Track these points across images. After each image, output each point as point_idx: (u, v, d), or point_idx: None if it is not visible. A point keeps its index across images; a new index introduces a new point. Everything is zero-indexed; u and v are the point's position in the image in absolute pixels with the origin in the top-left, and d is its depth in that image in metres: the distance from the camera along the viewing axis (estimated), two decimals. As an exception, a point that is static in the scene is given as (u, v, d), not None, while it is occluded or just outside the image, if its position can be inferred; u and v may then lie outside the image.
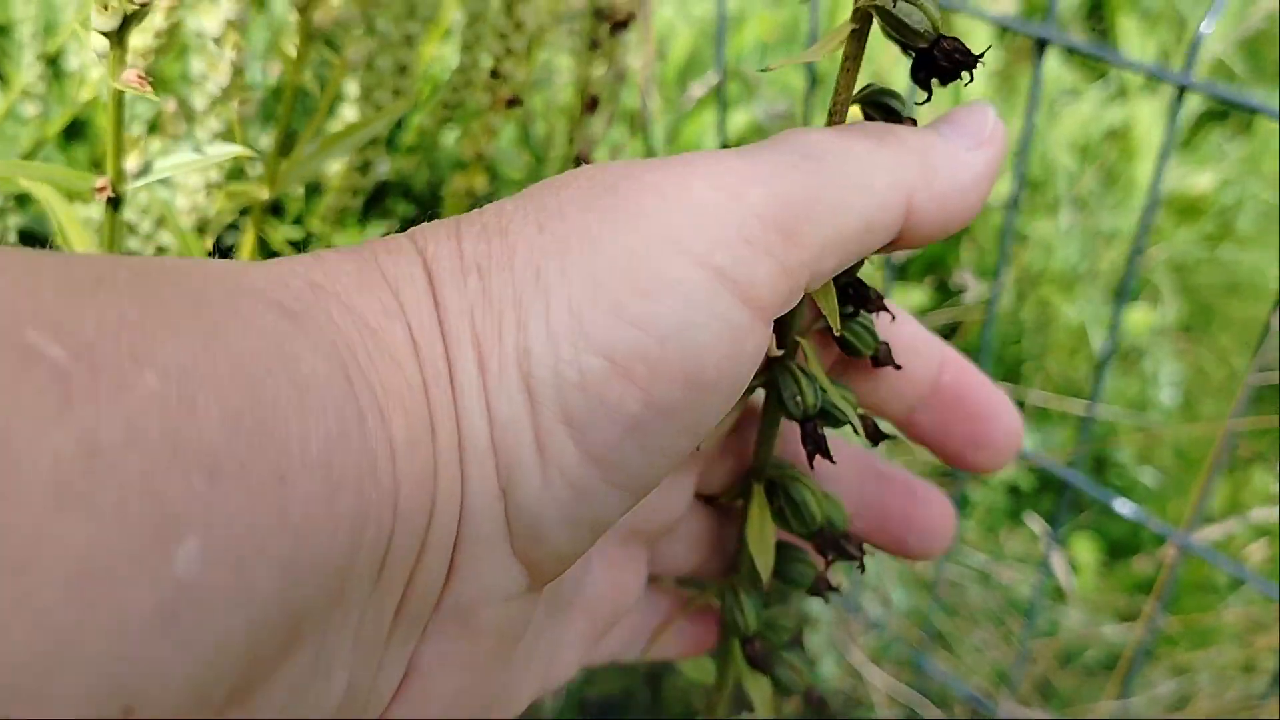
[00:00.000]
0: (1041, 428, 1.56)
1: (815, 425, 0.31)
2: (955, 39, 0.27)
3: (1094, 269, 1.80)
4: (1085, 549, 1.32)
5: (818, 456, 0.31)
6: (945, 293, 1.76)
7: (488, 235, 0.24)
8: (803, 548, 0.35)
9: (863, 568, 0.34)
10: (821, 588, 0.35)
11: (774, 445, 0.33)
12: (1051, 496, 1.49)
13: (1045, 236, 1.86)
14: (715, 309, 0.23)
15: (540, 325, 0.23)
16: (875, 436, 0.34)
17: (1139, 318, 1.73)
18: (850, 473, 0.36)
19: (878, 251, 0.27)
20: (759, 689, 0.36)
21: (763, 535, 0.33)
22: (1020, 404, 1.56)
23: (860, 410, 0.33)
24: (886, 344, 0.32)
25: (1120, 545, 1.47)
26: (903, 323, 0.33)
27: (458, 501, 0.23)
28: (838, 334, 0.29)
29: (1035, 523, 1.06)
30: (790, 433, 0.34)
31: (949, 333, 1.70)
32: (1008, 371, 1.70)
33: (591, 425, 0.23)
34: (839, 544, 0.33)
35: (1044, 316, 1.78)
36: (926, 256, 1.66)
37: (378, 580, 0.22)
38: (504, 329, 0.23)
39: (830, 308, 0.28)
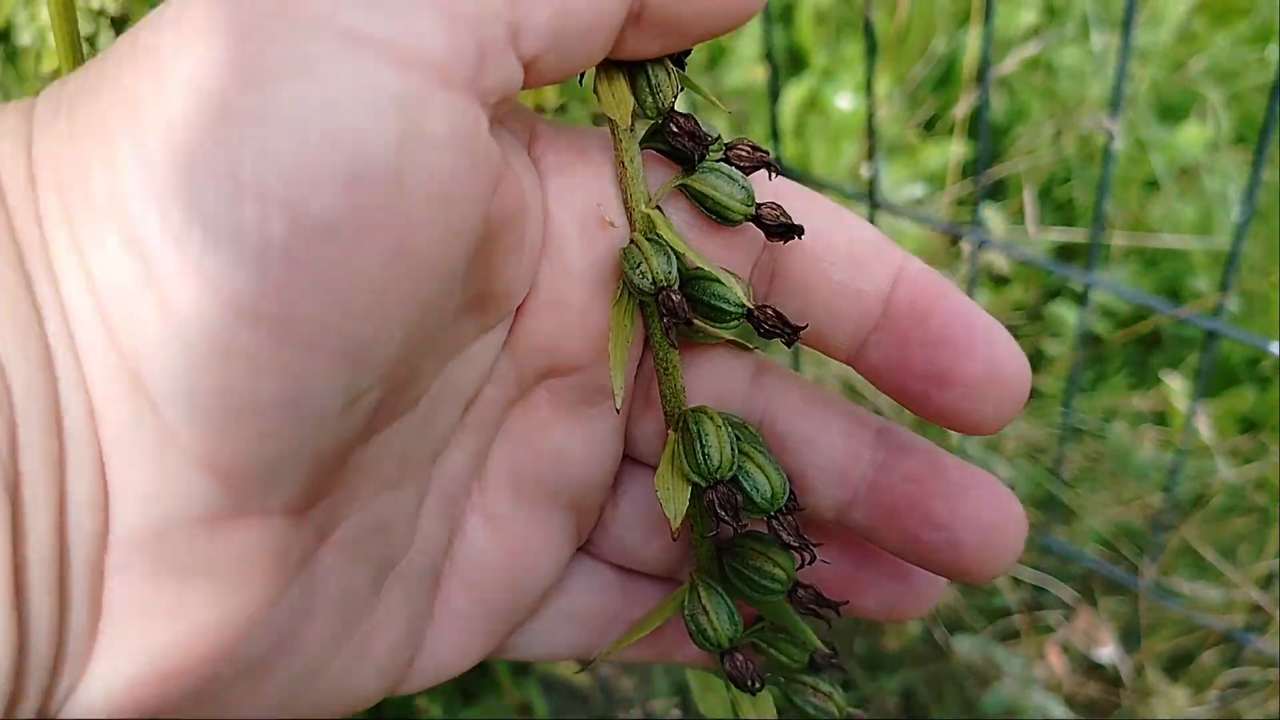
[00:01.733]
0: (1108, 267, 1.47)
1: (668, 295, 0.24)
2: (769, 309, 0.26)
3: (1134, 91, 1.68)
4: (1182, 396, 1.24)
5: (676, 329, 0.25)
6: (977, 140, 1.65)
7: (87, 71, 0.20)
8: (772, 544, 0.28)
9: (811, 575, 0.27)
10: (803, 599, 0.28)
11: (676, 375, 0.27)
12: (1135, 347, 1.41)
13: (1076, 65, 1.74)
14: (356, 79, 0.18)
15: (131, 153, 0.18)
16: (777, 327, 0.26)
17: (1191, 135, 1.63)
18: (833, 435, 0.27)
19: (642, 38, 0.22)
20: (758, 711, 0.29)
21: (671, 481, 0.26)
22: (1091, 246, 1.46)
23: (765, 304, 0.26)
24: (781, 210, 0.25)
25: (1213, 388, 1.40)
26: (846, 225, 0.26)
27: (83, 393, 0.19)
28: (658, 123, 0.25)
29: (1174, 380, 0.98)
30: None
31: (994, 190, 1.60)
32: (1061, 215, 1.61)
33: (229, 265, 0.17)
34: (777, 526, 0.26)
35: (1087, 149, 1.67)
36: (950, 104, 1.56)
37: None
38: (90, 165, 0.18)
39: (617, 101, 0.24)
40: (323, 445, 0.20)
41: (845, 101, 1.59)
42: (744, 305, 0.25)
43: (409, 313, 0.19)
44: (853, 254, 0.26)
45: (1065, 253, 1.60)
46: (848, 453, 0.27)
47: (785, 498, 0.26)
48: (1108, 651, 1.00)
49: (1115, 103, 0.69)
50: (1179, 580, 1.01)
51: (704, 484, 0.26)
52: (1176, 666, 1.00)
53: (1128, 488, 1.15)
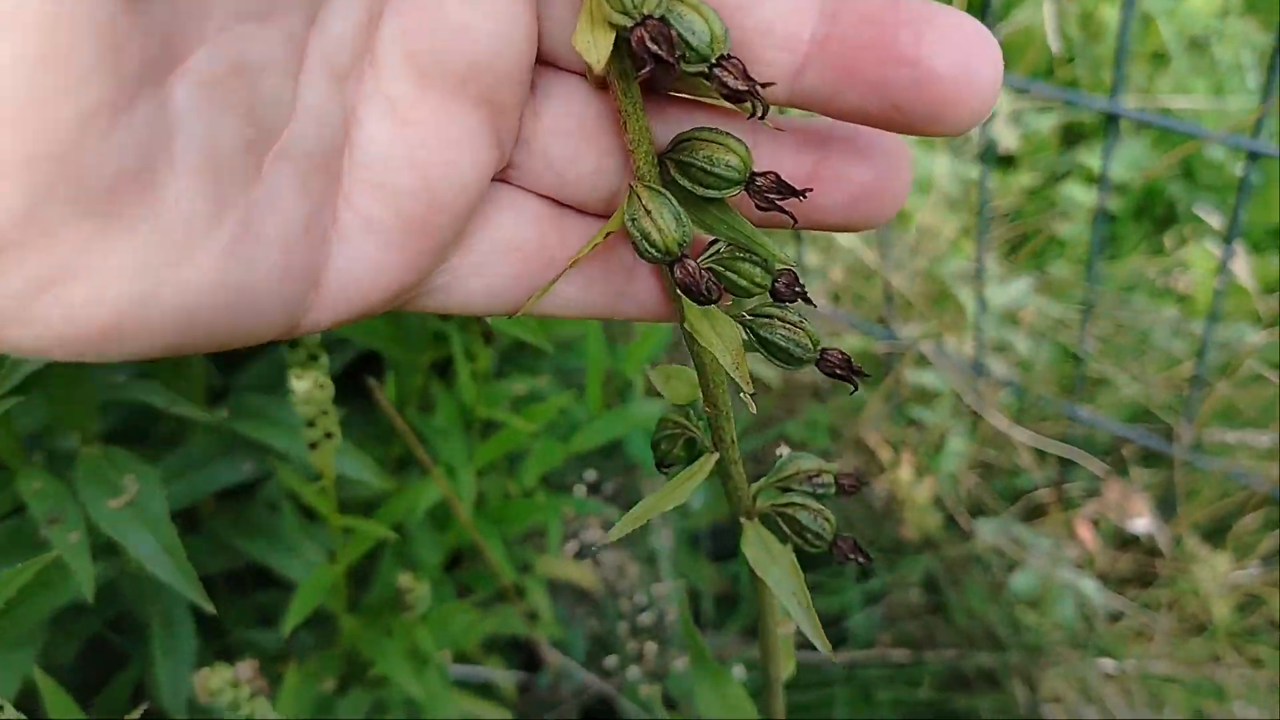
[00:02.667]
0: (1120, 143, 1.40)
1: None
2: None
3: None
4: (1205, 261, 1.17)
5: None
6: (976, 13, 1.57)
7: None
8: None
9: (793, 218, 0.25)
10: (763, 187, 0.25)
11: None
12: (1148, 220, 1.34)
13: (1074, -58, 1.66)
14: None
15: None
16: None
17: (1199, 2, 1.55)
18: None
19: None
20: (719, 333, 0.26)
21: (592, 32, 0.22)
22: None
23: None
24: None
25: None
26: None
27: None
28: None
29: (1211, 216, 0.91)
30: None
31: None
32: (1068, 86, 1.54)
33: None
34: (721, 72, 0.23)
35: (1091, 29, 1.60)
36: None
37: None
38: None
39: None
40: None
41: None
42: None
43: None
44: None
45: (1072, 136, 1.54)
46: (791, 8, 0.23)
47: (727, 44, 0.23)
48: (1143, 522, 0.94)
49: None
50: (1215, 445, 0.96)
51: (631, 23, 0.22)
52: (1217, 533, 0.94)
53: (1154, 360, 1.09)
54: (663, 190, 0.25)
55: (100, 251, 0.19)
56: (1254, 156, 0.73)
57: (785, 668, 0.41)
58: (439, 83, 0.23)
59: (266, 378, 0.66)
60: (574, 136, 0.25)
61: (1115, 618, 0.95)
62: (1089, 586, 0.93)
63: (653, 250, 0.25)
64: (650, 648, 0.94)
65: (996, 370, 1.02)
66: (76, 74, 0.17)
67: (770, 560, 0.32)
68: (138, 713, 0.47)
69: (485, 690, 0.99)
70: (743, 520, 0.33)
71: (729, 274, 0.26)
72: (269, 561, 0.65)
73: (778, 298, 0.27)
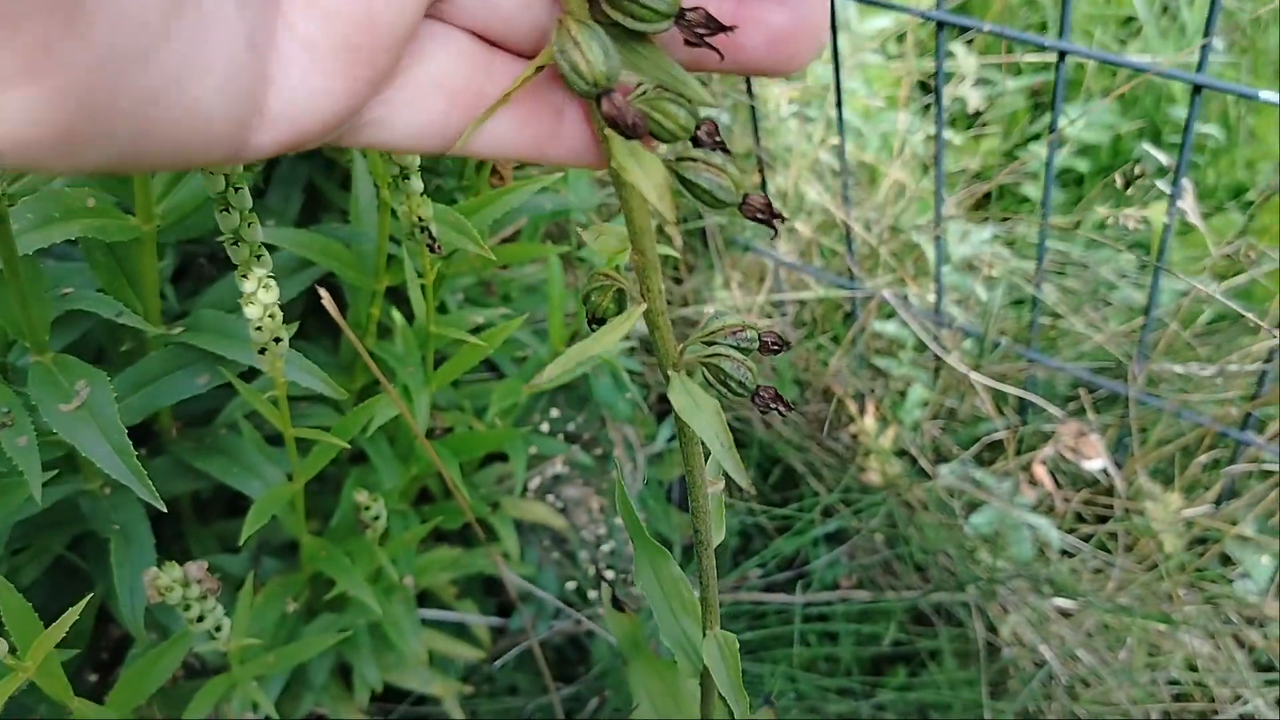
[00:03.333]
0: (1088, 103, 1.42)
1: None
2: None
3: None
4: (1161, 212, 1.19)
5: None
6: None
7: None
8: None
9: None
10: (692, 22, 0.25)
11: None
12: (1113, 188, 1.36)
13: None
14: None
15: None
16: None
17: (1170, -31, 1.56)
18: None
19: None
20: (645, 169, 0.26)
21: None
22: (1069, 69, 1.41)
23: None
24: None
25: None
26: None
27: None
28: None
29: (1156, 152, 0.93)
30: None
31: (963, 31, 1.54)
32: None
33: None
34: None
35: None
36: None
37: None
38: None
39: None
40: None
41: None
42: None
43: None
44: None
45: (1042, 103, 1.55)
46: None
47: None
48: (1098, 463, 0.96)
49: None
50: (1169, 387, 0.97)
51: None
52: (1171, 474, 0.96)
53: (1114, 308, 1.11)
54: (591, 24, 0.25)
55: (61, 50, 0.19)
56: (1198, 89, 0.74)
57: (718, 532, 0.42)
58: None
59: (225, 300, 0.67)
60: None
61: (1071, 555, 0.97)
62: (1044, 525, 0.95)
63: (580, 81, 0.25)
64: (603, 589, 0.95)
65: (959, 318, 1.03)
66: None
67: (696, 408, 0.33)
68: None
69: (459, 632, 1.01)
70: (670, 372, 0.34)
71: (655, 114, 0.27)
72: (228, 480, 0.67)
73: (698, 145, 0.28)
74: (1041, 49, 0.91)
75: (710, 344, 0.35)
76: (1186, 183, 0.79)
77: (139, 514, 0.64)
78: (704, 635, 0.44)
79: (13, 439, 0.49)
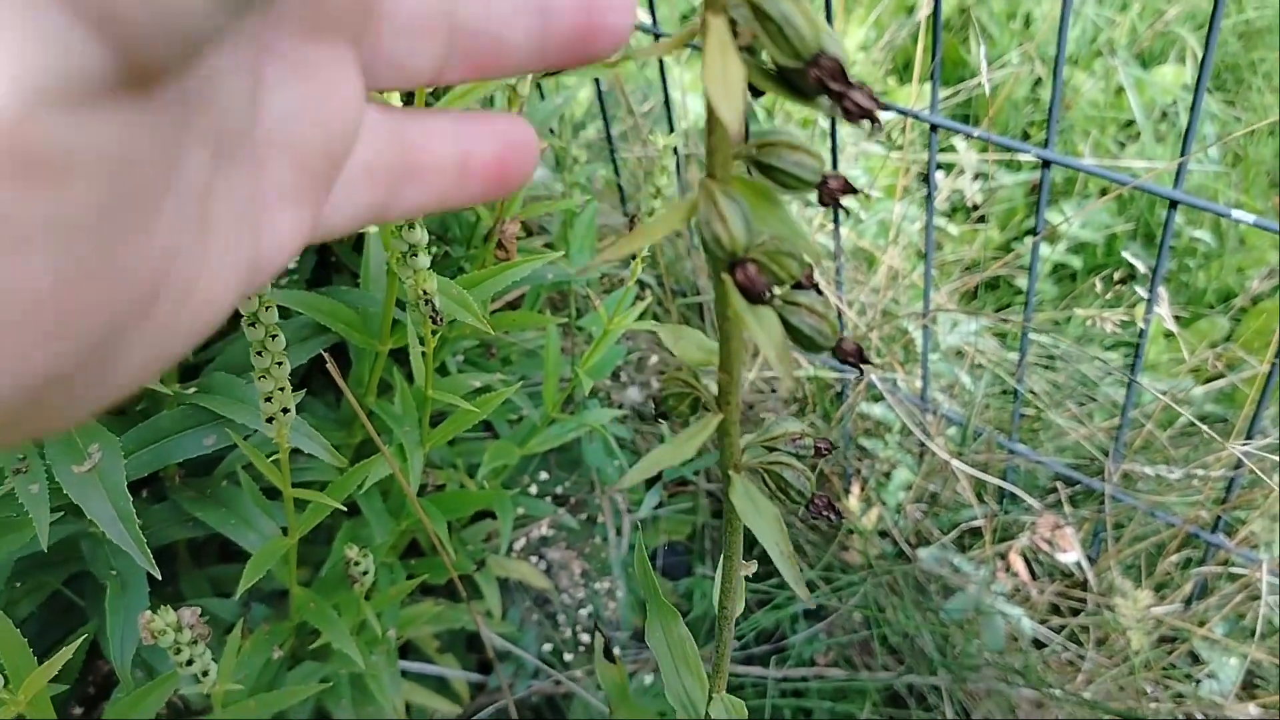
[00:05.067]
0: (1083, 204, 1.46)
1: None
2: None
3: (1113, 37, 1.67)
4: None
5: None
6: (951, 85, 1.64)
7: None
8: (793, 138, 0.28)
9: (875, 122, 0.26)
10: (831, 189, 0.27)
11: None
12: (1107, 284, 1.40)
13: (1053, 14, 1.73)
14: None
15: None
16: None
17: (1168, 75, 1.62)
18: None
19: None
20: (765, 328, 0.28)
21: (725, 72, 0.24)
22: (1072, 181, 1.45)
23: None
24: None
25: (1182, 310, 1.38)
26: None
27: None
28: None
29: (1136, 259, 0.96)
30: None
31: (965, 118, 1.59)
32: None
33: None
34: (843, 73, 0.25)
35: (1065, 96, 1.66)
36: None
37: None
38: None
39: None
40: None
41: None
42: None
43: None
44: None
45: (1036, 194, 1.59)
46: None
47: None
48: (1072, 556, 0.98)
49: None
50: (1144, 487, 1.00)
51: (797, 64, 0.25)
52: (1141, 570, 0.98)
53: (1098, 404, 1.14)
54: (733, 193, 0.27)
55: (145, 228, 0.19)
56: (1174, 204, 0.78)
57: (738, 606, 0.45)
58: (312, 25, 0.24)
59: (236, 358, 0.70)
60: (414, 30, 0.26)
61: (1042, 645, 0.99)
62: (1017, 615, 0.97)
63: (719, 250, 0.27)
64: (596, 639, 0.97)
65: (944, 405, 1.06)
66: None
67: (756, 511, 0.36)
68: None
69: (440, 685, 1.03)
70: (730, 473, 0.37)
71: (772, 265, 0.29)
72: (225, 530, 0.69)
73: (798, 287, 0.30)
74: (1027, 155, 0.95)
75: (771, 449, 0.37)
76: (1162, 291, 0.82)
77: (135, 562, 0.66)
78: (711, 698, 0.47)
79: (26, 484, 0.52)
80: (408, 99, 0.62)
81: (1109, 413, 1.13)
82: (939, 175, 1.45)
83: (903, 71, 1.71)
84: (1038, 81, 1.67)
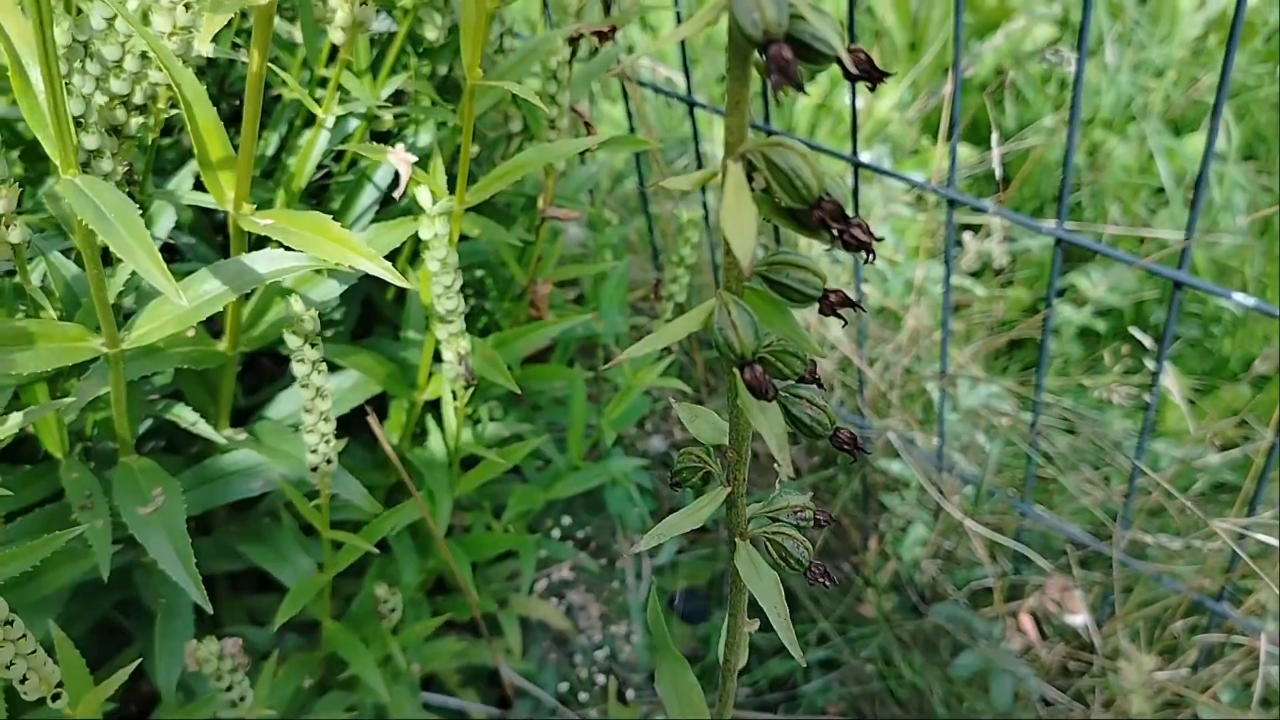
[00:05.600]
0: (1110, 269, 1.48)
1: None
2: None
3: (1146, 104, 1.70)
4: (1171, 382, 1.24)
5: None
6: (984, 147, 1.67)
7: None
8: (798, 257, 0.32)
9: (871, 253, 0.29)
10: (831, 303, 0.31)
11: (744, 109, 0.28)
12: (1129, 339, 1.42)
13: (1089, 79, 1.76)
14: None
15: None
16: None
17: (1199, 143, 1.64)
18: None
19: None
20: (769, 422, 0.32)
21: (740, 212, 0.28)
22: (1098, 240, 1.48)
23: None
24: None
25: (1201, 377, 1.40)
26: None
27: None
28: None
29: (1143, 337, 0.99)
30: None
31: (992, 176, 1.62)
32: (1070, 216, 1.62)
33: None
34: (843, 214, 0.29)
35: (1096, 160, 1.69)
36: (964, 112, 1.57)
37: None
38: None
39: None
40: None
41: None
42: None
43: None
44: None
45: (1068, 256, 1.62)
46: None
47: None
48: (1080, 619, 1.00)
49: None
50: (1153, 553, 1.02)
51: (802, 206, 0.29)
52: (1147, 634, 1.00)
53: (1113, 472, 1.16)
54: (744, 304, 0.31)
55: None
56: (1178, 285, 0.81)
57: (740, 659, 0.49)
58: None
59: (284, 403, 0.75)
60: None
61: (1049, 704, 1.01)
62: (1026, 674, 0.99)
63: (730, 353, 0.31)
64: (610, 681, 1.01)
65: (960, 465, 1.09)
66: None
67: (758, 576, 0.40)
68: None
69: (459, 719, 1.06)
70: (737, 540, 0.41)
71: (777, 362, 0.33)
72: (265, 565, 0.74)
73: (802, 381, 0.34)
74: (1039, 232, 0.99)
75: (774, 519, 0.41)
76: (1169, 365, 0.85)
77: (184, 593, 0.72)
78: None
79: (92, 519, 0.57)
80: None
81: (1124, 477, 1.15)
82: (967, 236, 1.48)
83: (937, 129, 1.75)
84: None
